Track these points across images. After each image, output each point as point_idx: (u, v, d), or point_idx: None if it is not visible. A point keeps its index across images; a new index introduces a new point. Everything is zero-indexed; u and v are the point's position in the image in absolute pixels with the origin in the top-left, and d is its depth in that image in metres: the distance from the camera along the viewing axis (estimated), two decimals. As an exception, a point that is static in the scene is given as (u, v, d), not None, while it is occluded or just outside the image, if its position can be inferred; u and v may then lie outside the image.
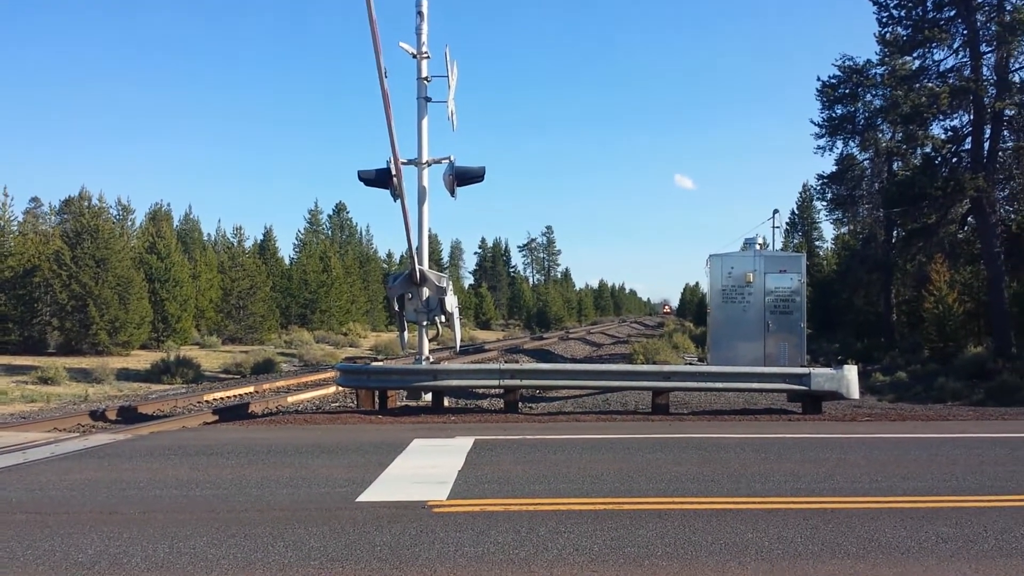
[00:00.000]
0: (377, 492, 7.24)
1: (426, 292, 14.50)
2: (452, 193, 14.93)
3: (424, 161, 14.84)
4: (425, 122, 14.93)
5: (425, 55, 14.82)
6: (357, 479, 7.77)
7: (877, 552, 5.53)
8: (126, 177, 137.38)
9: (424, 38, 14.87)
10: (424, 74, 14.86)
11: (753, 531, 6.01)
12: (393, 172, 13.48)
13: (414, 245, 14.10)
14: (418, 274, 14.27)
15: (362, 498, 7.01)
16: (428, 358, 14.94)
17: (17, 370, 26.08)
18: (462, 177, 14.86)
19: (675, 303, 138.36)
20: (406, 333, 15.80)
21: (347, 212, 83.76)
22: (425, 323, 14.95)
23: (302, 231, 72.41)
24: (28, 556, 5.40)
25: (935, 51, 29.59)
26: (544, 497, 7.07)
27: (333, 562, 5.26)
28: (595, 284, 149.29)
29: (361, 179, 14.62)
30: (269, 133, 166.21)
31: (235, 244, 52.63)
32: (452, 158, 14.85)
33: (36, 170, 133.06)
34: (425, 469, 8.33)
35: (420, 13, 14.84)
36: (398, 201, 14.65)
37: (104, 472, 8.28)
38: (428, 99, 14.93)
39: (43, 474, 8.24)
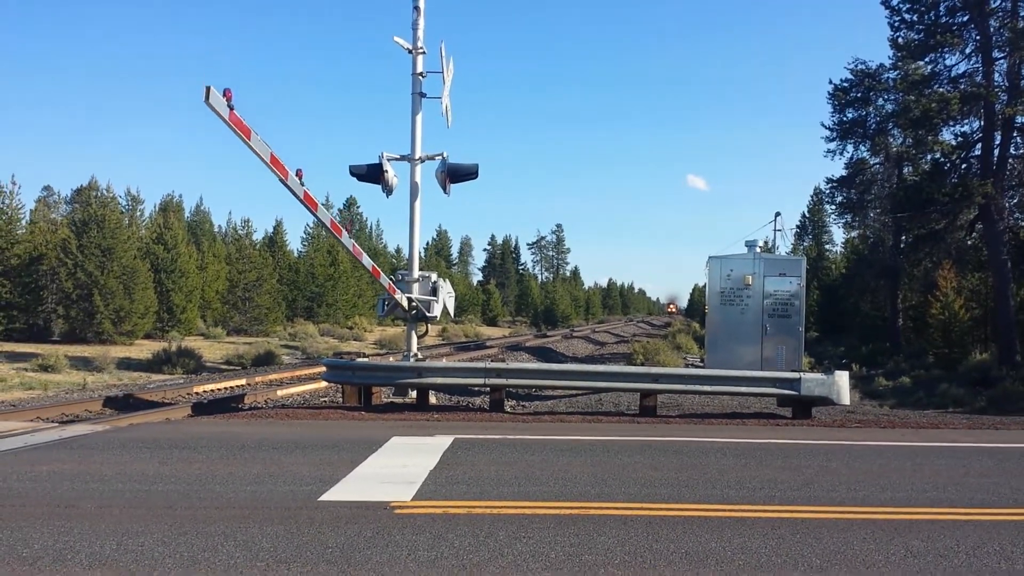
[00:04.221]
0: (342, 491, 7.13)
1: (416, 303, 14.47)
2: (445, 190, 14.79)
3: (417, 157, 14.70)
4: (419, 118, 14.77)
5: (421, 50, 14.67)
6: (325, 477, 7.66)
7: (840, 565, 5.38)
8: (142, 167, 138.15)
9: (420, 33, 14.70)
10: (419, 70, 14.71)
11: (717, 540, 5.87)
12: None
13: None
14: (405, 303, 14.27)
15: (325, 497, 6.90)
16: (416, 355, 14.82)
17: (20, 357, 26.20)
18: (455, 174, 14.71)
19: (684, 303, 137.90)
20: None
21: (357, 207, 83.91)
22: (414, 322, 14.88)
23: (311, 224, 72.38)
24: (-30, 549, 5.30)
25: (947, 56, 29.15)
26: (511, 500, 6.94)
27: (280, 563, 5.15)
28: (604, 283, 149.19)
29: (353, 174, 14.49)
30: (283, 127, 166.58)
31: (243, 236, 52.74)
32: (445, 155, 14.70)
33: (50, 159, 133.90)
34: (396, 468, 8.21)
35: (416, 8, 14.69)
36: (390, 197, 14.60)
37: (72, 464, 8.18)
38: (423, 95, 14.77)
39: (9, 464, 8.13)
